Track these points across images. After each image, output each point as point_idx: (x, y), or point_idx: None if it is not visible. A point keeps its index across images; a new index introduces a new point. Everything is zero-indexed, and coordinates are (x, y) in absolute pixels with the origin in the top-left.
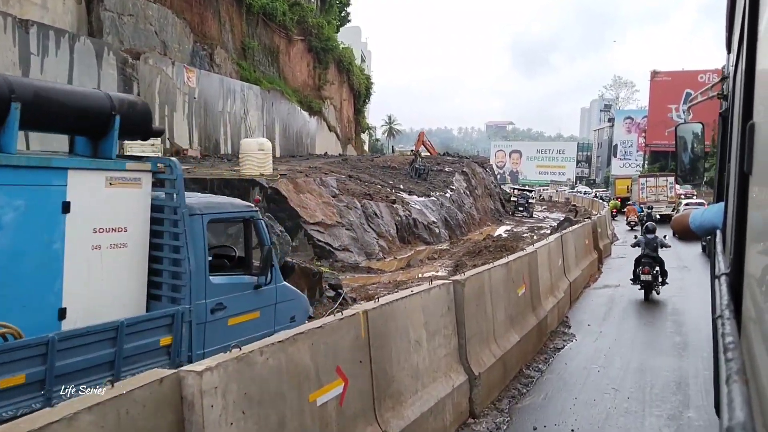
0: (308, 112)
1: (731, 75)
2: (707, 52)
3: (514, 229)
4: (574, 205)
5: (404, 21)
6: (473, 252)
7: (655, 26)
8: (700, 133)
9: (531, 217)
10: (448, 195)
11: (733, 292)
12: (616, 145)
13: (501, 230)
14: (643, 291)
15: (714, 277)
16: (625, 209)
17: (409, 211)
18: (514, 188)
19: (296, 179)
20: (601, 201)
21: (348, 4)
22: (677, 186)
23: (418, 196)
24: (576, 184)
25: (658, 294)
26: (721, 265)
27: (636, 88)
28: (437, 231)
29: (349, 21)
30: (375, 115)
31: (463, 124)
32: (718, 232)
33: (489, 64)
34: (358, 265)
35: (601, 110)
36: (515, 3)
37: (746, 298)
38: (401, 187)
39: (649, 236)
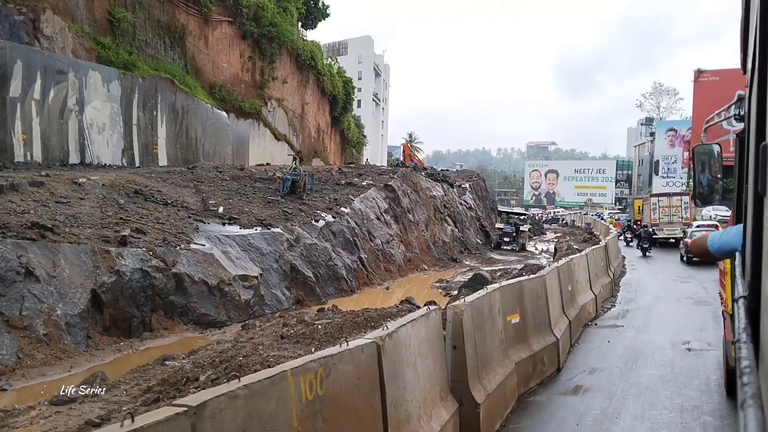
0: (234, 113)
1: (746, 96)
2: None
3: (461, 278)
4: (591, 233)
5: (447, 42)
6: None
7: (707, 45)
8: (717, 154)
9: (521, 250)
10: (320, 224)
11: (750, 315)
12: (658, 161)
13: (436, 278)
14: (642, 253)
15: (732, 300)
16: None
17: (166, 261)
18: (502, 212)
19: None
20: (607, 225)
21: None
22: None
23: (244, 227)
24: (614, 205)
25: (650, 253)
26: (739, 288)
27: (680, 96)
28: (250, 296)
29: (328, 15)
30: (404, 133)
31: (503, 145)
32: (738, 255)
33: (533, 85)
34: None
35: (641, 123)
36: (561, 23)
37: (764, 321)
38: (220, 211)
39: (647, 229)
